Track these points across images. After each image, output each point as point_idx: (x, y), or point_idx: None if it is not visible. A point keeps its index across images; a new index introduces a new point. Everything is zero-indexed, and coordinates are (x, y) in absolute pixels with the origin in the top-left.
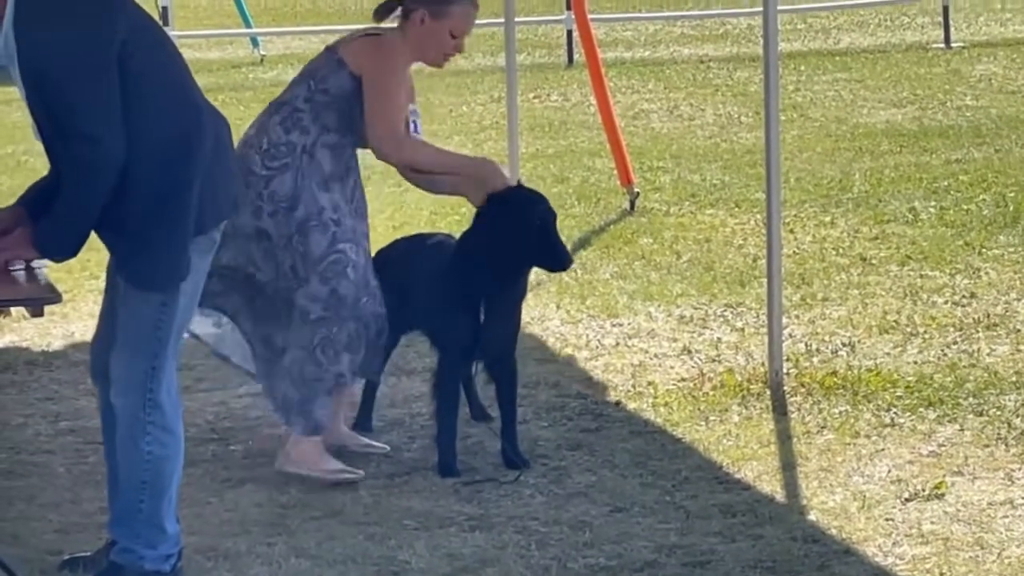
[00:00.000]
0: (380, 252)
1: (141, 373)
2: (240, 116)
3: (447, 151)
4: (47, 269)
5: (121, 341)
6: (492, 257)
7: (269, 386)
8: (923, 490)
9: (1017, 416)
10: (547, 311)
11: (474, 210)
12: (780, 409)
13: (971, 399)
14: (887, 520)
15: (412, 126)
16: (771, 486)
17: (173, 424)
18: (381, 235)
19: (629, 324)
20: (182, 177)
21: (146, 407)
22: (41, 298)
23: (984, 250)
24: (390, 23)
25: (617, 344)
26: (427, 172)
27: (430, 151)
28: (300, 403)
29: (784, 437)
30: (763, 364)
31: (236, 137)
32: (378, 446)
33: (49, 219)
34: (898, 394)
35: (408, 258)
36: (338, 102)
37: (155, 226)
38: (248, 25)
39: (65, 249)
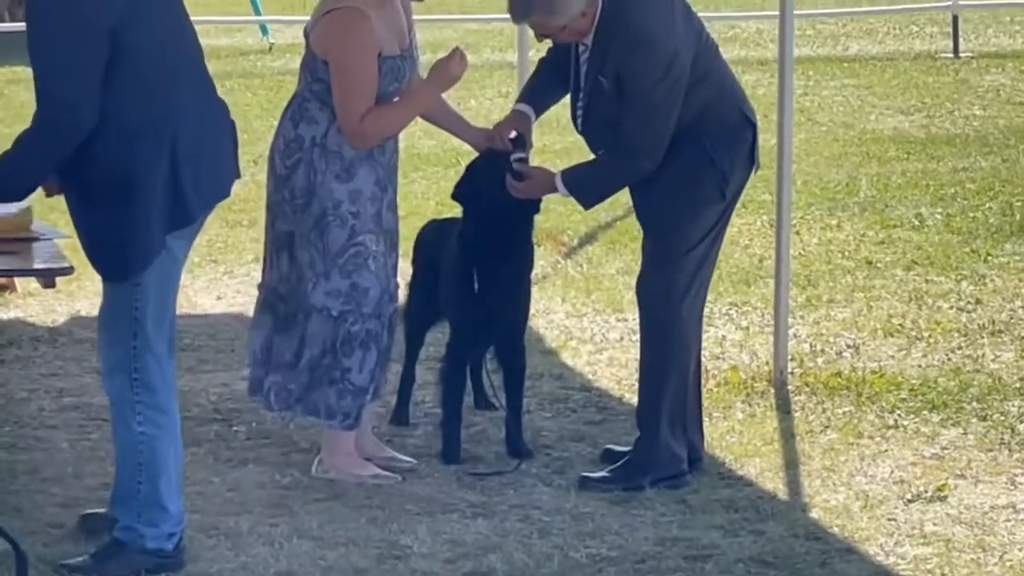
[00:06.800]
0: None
1: (124, 355)
2: (248, 103)
3: (403, 103)
4: (59, 241)
5: (102, 324)
6: (470, 222)
7: (282, 384)
8: (926, 492)
9: (1021, 422)
10: (552, 304)
11: None
12: (784, 408)
13: (975, 404)
14: (889, 520)
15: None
16: (774, 483)
17: (166, 404)
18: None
19: (634, 319)
20: (150, 161)
21: (134, 388)
22: (53, 269)
23: (990, 257)
24: None
25: (621, 338)
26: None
27: (390, 119)
28: (318, 397)
29: (787, 435)
30: (767, 363)
31: (241, 124)
32: (403, 459)
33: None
34: (902, 396)
35: (435, 243)
36: None
37: (117, 208)
38: (258, 13)
39: (7, 194)
